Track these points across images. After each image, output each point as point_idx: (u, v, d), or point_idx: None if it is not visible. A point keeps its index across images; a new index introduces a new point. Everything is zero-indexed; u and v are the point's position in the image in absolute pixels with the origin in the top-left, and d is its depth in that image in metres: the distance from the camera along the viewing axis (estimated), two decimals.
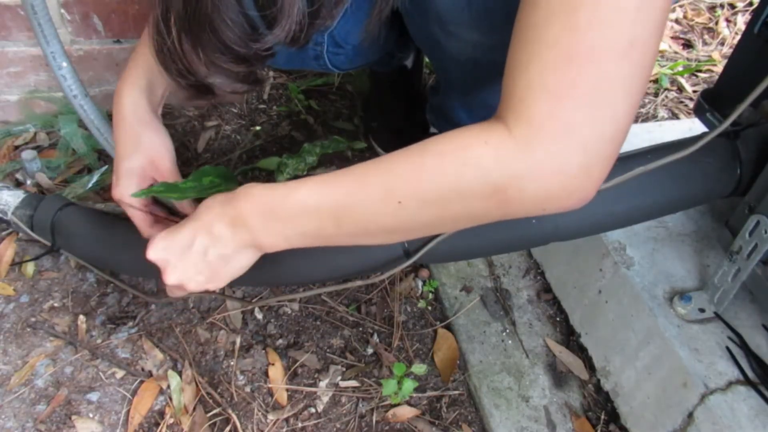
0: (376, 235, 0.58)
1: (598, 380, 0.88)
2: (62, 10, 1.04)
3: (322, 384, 0.86)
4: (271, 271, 0.78)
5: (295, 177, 0.77)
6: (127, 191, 0.74)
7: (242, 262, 0.64)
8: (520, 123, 0.49)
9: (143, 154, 0.74)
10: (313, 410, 0.83)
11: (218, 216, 0.60)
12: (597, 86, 0.46)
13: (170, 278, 0.63)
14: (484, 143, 0.50)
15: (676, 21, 1.69)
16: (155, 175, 0.76)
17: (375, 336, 0.92)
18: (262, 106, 1.28)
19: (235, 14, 0.48)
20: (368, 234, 0.57)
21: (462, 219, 0.55)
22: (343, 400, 0.85)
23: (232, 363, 0.87)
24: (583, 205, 0.51)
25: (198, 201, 0.69)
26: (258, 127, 1.21)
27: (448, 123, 1.10)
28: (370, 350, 0.91)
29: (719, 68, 1.52)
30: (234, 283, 0.82)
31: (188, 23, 0.48)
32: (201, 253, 0.62)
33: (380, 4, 0.61)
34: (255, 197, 0.59)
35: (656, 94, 1.45)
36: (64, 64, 0.84)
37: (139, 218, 0.75)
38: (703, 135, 0.62)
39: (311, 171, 0.78)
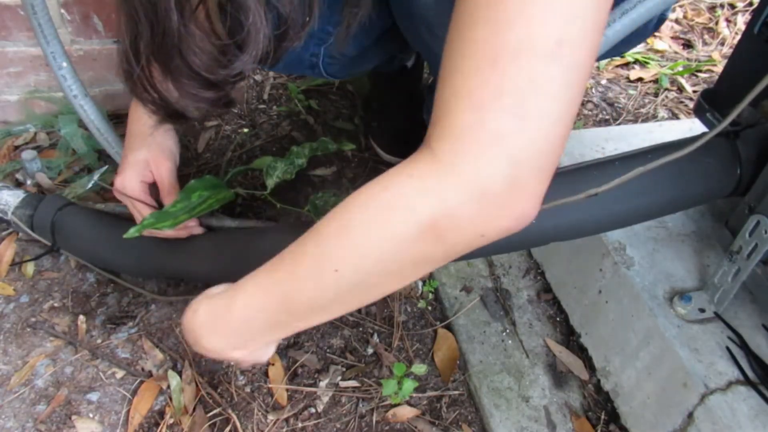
0: (329, 309, 0.54)
1: (598, 380, 0.88)
2: (62, 10, 1.04)
3: (322, 384, 0.86)
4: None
5: (285, 180, 0.78)
6: (129, 182, 0.76)
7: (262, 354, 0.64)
8: (444, 140, 0.44)
9: (150, 150, 0.77)
10: (313, 410, 0.83)
11: (194, 339, 0.61)
12: (524, 90, 0.41)
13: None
14: (408, 177, 0.46)
15: (676, 21, 1.69)
16: (155, 170, 0.77)
17: (375, 336, 0.92)
18: (262, 106, 1.28)
19: (202, 41, 0.48)
20: (322, 310, 0.54)
21: (405, 270, 0.49)
22: (343, 400, 0.85)
23: (232, 363, 0.87)
24: (525, 224, 0.46)
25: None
26: (246, 129, 1.21)
27: None
28: (370, 350, 0.91)
29: (719, 68, 1.52)
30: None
31: (156, 51, 0.48)
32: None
33: (348, 19, 0.60)
34: (201, 317, 0.59)
35: (656, 94, 1.45)
36: (64, 64, 0.84)
37: (138, 212, 0.76)
38: (702, 135, 0.62)
39: (300, 172, 0.79)
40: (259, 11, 0.46)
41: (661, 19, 0.79)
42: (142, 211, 0.78)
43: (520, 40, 0.41)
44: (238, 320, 0.57)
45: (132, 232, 0.70)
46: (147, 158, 0.77)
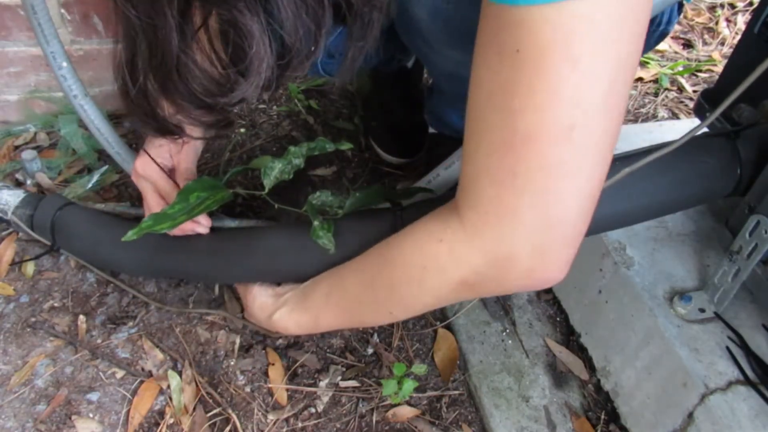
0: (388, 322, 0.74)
1: (598, 380, 0.88)
2: (62, 10, 1.04)
3: (322, 384, 0.86)
4: (272, 270, 0.78)
5: (283, 180, 0.78)
6: (149, 164, 0.77)
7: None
8: (469, 210, 0.49)
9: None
10: (313, 410, 0.83)
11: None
12: (536, 171, 0.45)
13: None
14: (439, 241, 0.52)
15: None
16: (177, 155, 0.79)
17: (375, 336, 0.92)
18: (262, 106, 1.28)
19: (203, 66, 0.47)
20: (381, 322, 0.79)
21: (446, 302, 0.60)
22: (343, 400, 0.85)
23: (232, 363, 0.87)
24: (552, 284, 0.51)
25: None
26: (243, 129, 1.21)
27: (444, 125, 1.11)
28: (370, 350, 0.91)
29: (719, 68, 1.52)
30: (238, 281, 0.83)
31: (155, 72, 0.47)
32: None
33: (352, 52, 0.59)
34: (291, 331, 0.76)
35: (656, 94, 1.45)
36: (64, 64, 0.84)
37: (151, 196, 0.78)
38: (703, 135, 0.62)
39: (299, 172, 0.79)
40: (264, 39, 0.45)
41: (663, 33, 0.79)
42: (150, 205, 0.79)
43: (529, 127, 0.43)
44: (326, 328, 0.75)
45: (130, 235, 0.70)
46: (167, 141, 0.77)
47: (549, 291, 0.99)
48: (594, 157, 0.46)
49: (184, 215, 0.73)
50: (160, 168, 0.78)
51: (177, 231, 0.78)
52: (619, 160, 0.67)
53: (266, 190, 0.77)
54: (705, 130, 0.63)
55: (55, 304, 0.91)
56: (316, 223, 0.72)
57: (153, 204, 0.79)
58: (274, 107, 1.28)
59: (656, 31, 0.81)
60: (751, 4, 1.73)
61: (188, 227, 0.78)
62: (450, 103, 1.02)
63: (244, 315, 0.86)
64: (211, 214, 0.86)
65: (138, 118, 0.53)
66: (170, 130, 0.55)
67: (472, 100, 0.48)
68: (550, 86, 0.42)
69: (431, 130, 1.17)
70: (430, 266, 0.53)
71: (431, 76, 1.03)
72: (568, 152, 0.44)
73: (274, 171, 0.77)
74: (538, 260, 0.49)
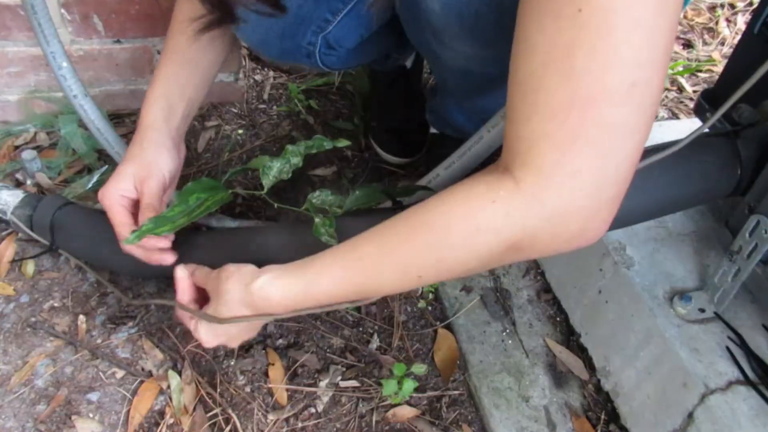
0: (399, 292, 0.65)
1: (598, 380, 0.88)
2: (62, 10, 1.04)
3: (322, 384, 0.86)
4: None
5: (282, 179, 0.77)
6: (107, 193, 0.74)
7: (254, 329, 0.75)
8: (528, 173, 0.49)
9: (139, 165, 0.75)
10: (313, 410, 0.83)
11: (249, 313, 0.65)
12: (599, 132, 0.46)
13: (235, 345, 0.73)
14: (492, 202, 0.51)
15: None
16: (141, 188, 0.75)
17: (375, 336, 0.92)
18: (262, 106, 1.28)
19: None
20: (391, 293, 0.63)
21: (481, 270, 0.59)
22: (343, 400, 0.85)
23: (232, 363, 0.87)
24: (594, 241, 0.52)
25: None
26: (241, 130, 1.21)
27: (447, 125, 1.10)
28: (370, 350, 0.91)
29: (719, 68, 1.52)
30: None
31: None
32: (244, 330, 0.70)
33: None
34: (273, 299, 0.63)
35: None
36: (64, 64, 0.84)
37: (118, 220, 0.75)
38: (703, 135, 0.62)
39: (297, 171, 0.78)
40: None
41: None
42: (115, 224, 0.76)
43: (591, 88, 0.44)
44: (314, 301, 0.62)
45: (131, 239, 0.70)
46: (135, 173, 0.75)
47: (549, 291, 0.99)
48: (650, 115, 0.47)
49: (184, 217, 0.73)
50: (118, 199, 0.75)
51: (143, 257, 0.76)
52: None
53: (265, 190, 0.77)
54: (705, 130, 0.63)
55: (55, 304, 0.90)
56: (317, 220, 0.72)
57: (120, 229, 0.75)
58: (274, 107, 1.28)
59: None
60: (751, 4, 1.73)
61: (154, 258, 0.76)
62: (455, 102, 1.02)
63: (212, 301, 0.69)
64: (211, 215, 0.86)
65: None
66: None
67: (524, 68, 0.48)
68: (613, 46, 0.43)
69: (432, 130, 1.17)
70: (483, 229, 0.51)
71: (435, 74, 1.03)
72: (629, 112, 0.46)
73: (273, 170, 0.77)
74: (591, 220, 0.50)
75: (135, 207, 0.76)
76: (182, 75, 0.81)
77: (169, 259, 0.76)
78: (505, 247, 0.52)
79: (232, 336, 0.70)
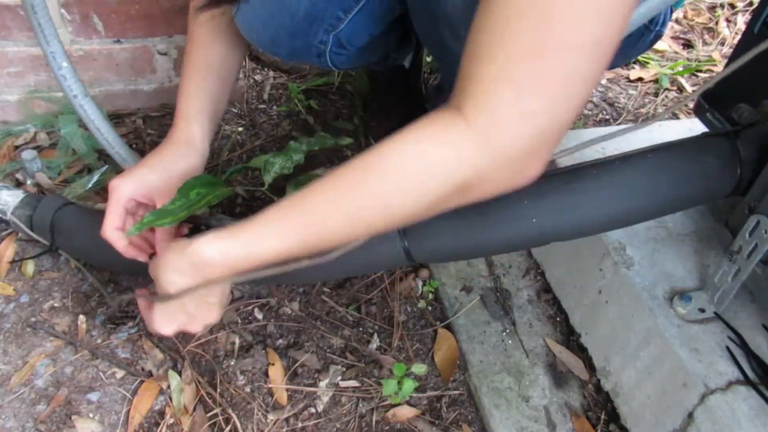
0: (351, 245, 0.59)
1: (598, 380, 0.88)
2: (62, 10, 1.04)
3: (322, 384, 0.86)
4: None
5: (282, 176, 0.77)
6: (125, 188, 0.73)
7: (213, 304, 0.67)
8: (481, 113, 0.50)
9: (166, 175, 0.75)
10: (313, 410, 0.83)
11: (193, 282, 0.60)
12: (561, 79, 0.48)
13: (196, 330, 0.68)
14: (444, 145, 0.51)
15: (676, 21, 1.69)
16: (162, 194, 0.74)
17: (375, 336, 0.92)
18: (262, 106, 1.28)
19: None
20: (343, 246, 0.59)
21: (426, 215, 0.56)
22: (343, 400, 0.85)
23: (232, 363, 0.87)
24: (531, 181, 0.54)
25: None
26: (241, 129, 1.21)
27: None
28: (370, 350, 0.91)
29: (719, 68, 1.52)
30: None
31: None
32: (202, 305, 0.65)
33: None
34: (214, 263, 0.59)
35: (656, 94, 1.45)
36: (64, 64, 0.84)
37: (111, 215, 0.73)
38: (703, 135, 0.62)
39: (299, 168, 0.78)
40: None
41: (658, 34, 0.80)
42: (108, 213, 0.74)
43: (564, 36, 0.46)
44: (258, 261, 0.58)
45: (132, 230, 0.70)
46: (157, 184, 0.74)
47: (549, 291, 0.99)
48: (603, 70, 0.50)
49: (185, 211, 0.73)
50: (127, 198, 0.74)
51: (124, 251, 0.74)
52: (620, 160, 0.68)
53: (266, 186, 0.77)
54: (705, 130, 0.63)
55: (55, 304, 0.90)
56: None
57: (112, 219, 0.74)
58: (274, 107, 1.28)
59: (653, 32, 0.81)
60: (751, 4, 1.73)
61: (131, 253, 0.75)
62: None
63: (157, 282, 0.64)
64: (211, 214, 0.86)
65: None
66: None
67: (498, 12, 0.49)
68: (592, 2, 0.46)
69: None
70: (434, 172, 0.52)
71: (444, 72, 1.02)
72: (590, 65, 0.48)
73: (275, 166, 0.77)
74: (536, 161, 0.52)
75: (137, 206, 0.76)
76: (216, 86, 0.81)
77: (142, 257, 0.75)
78: (454, 188, 0.52)
79: (191, 316, 0.65)
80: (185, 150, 0.77)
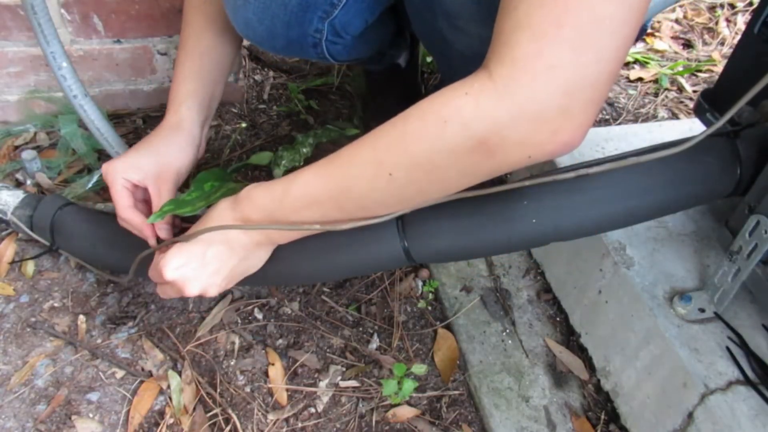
0: (374, 210, 0.59)
1: (598, 380, 0.88)
2: (62, 10, 1.04)
3: (322, 384, 0.86)
4: (272, 271, 0.78)
5: (292, 168, 0.78)
6: (119, 172, 0.74)
7: (257, 259, 0.68)
8: (502, 65, 0.47)
9: (157, 159, 0.76)
10: (313, 410, 0.83)
11: (228, 222, 0.63)
12: (583, 25, 0.45)
13: (192, 290, 0.65)
14: (465, 94, 0.49)
15: (676, 21, 1.69)
16: (153, 183, 0.76)
17: (375, 336, 0.92)
18: (262, 106, 1.28)
19: None
20: (369, 211, 0.59)
21: (453, 179, 0.54)
22: (343, 400, 0.85)
23: (232, 363, 0.87)
24: (568, 150, 0.50)
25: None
26: (244, 124, 1.21)
27: None
28: (370, 350, 0.91)
29: (719, 68, 1.52)
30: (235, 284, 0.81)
31: None
32: (218, 260, 0.65)
33: None
34: (256, 200, 0.62)
35: (656, 94, 1.45)
36: (64, 64, 0.84)
37: (120, 197, 0.75)
38: (701, 135, 0.62)
39: (308, 162, 0.79)
40: None
41: (643, 28, 0.80)
42: (116, 200, 0.76)
43: None
44: (290, 210, 0.60)
45: (153, 218, 0.72)
46: (149, 169, 0.75)
47: (549, 291, 0.99)
48: (636, 18, 0.46)
49: (203, 201, 0.74)
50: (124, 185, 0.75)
51: (141, 227, 0.76)
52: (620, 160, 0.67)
53: None
54: (705, 130, 0.63)
55: (55, 304, 0.90)
56: None
57: (121, 204, 0.76)
58: (274, 107, 1.28)
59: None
60: (751, 4, 1.73)
61: (147, 232, 0.76)
62: None
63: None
64: None
65: None
66: None
67: None
68: None
69: None
70: (452, 119, 0.49)
71: (443, 68, 1.01)
72: (617, 7, 0.44)
73: (284, 160, 0.78)
74: (565, 122, 0.48)
75: (135, 189, 0.77)
76: (208, 71, 0.82)
77: (152, 239, 0.76)
78: (473, 142, 0.49)
79: (199, 271, 0.65)
80: (172, 134, 0.78)
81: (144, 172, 0.76)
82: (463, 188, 0.57)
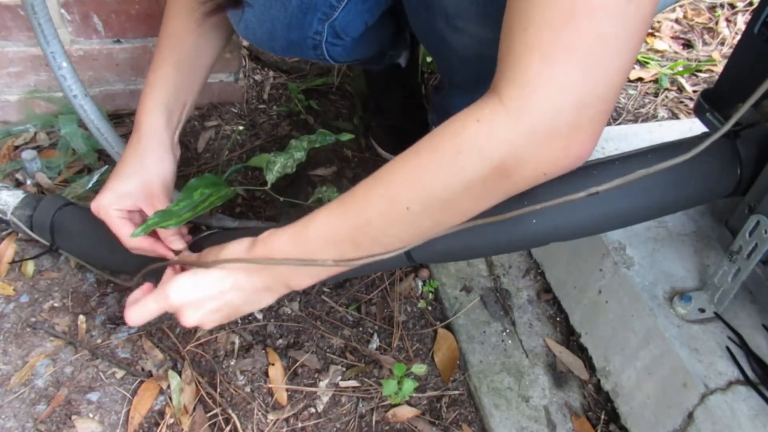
0: (389, 244, 0.58)
1: (598, 380, 0.88)
2: (62, 10, 1.04)
3: (322, 384, 0.86)
4: None
5: (285, 174, 0.77)
6: (110, 206, 0.74)
7: (264, 301, 0.67)
8: (513, 88, 0.48)
9: (140, 179, 0.75)
10: (313, 410, 0.83)
11: (243, 266, 0.63)
12: (592, 46, 0.46)
13: (189, 321, 0.65)
14: (476, 121, 0.50)
15: (676, 21, 1.69)
16: (145, 201, 0.75)
17: (375, 336, 0.92)
18: (262, 106, 1.28)
19: None
20: (385, 246, 0.58)
21: (469, 206, 0.55)
22: (343, 400, 0.85)
23: (232, 363, 0.87)
24: (581, 162, 0.51)
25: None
26: (242, 127, 1.21)
27: None
28: (370, 350, 0.91)
29: (719, 68, 1.52)
30: None
31: None
32: (223, 299, 0.65)
33: None
34: (273, 243, 0.61)
35: (656, 94, 1.45)
36: (64, 64, 0.84)
37: (120, 229, 0.74)
38: (704, 135, 0.62)
39: (301, 167, 0.78)
40: None
41: None
42: (119, 235, 0.75)
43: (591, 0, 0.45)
44: (308, 251, 0.60)
45: (137, 232, 0.71)
46: (134, 190, 0.74)
47: (549, 291, 0.99)
48: (641, 34, 0.48)
49: (189, 212, 0.73)
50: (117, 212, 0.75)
51: (151, 249, 0.75)
52: (620, 160, 0.68)
53: (269, 185, 0.77)
54: (705, 130, 0.63)
55: (55, 304, 0.91)
56: None
57: (122, 235, 0.75)
58: (274, 107, 1.28)
59: None
60: (751, 4, 1.73)
61: (161, 250, 0.75)
62: (463, 97, 1.01)
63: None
64: (211, 214, 0.85)
65: None
66: None
67: None
68: None
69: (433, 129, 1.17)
70: (466, 149, 0.50)
71: (442, 69, 1.01)
72: (624, 26, 0.46)
73: (276, 165, 0.77)
74: (577, 136, 0.49)
75: (132, 214, 0.77)
76: (179, 78, 0.80)
77: (175, 245, 0.76)
78: (490, 168, 0.50)
79: (205, 302, 0.64)
80: (146, 147, 0.77)
81: (133, 197, 0.75)
82: (477, 213, 0.57)
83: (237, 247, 0.64)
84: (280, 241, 0.61)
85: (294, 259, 0.61)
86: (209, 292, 0.64)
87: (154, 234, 0.76)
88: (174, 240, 0.75)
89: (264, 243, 0.62)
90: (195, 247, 0.78)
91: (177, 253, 0.75)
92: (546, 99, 0.47)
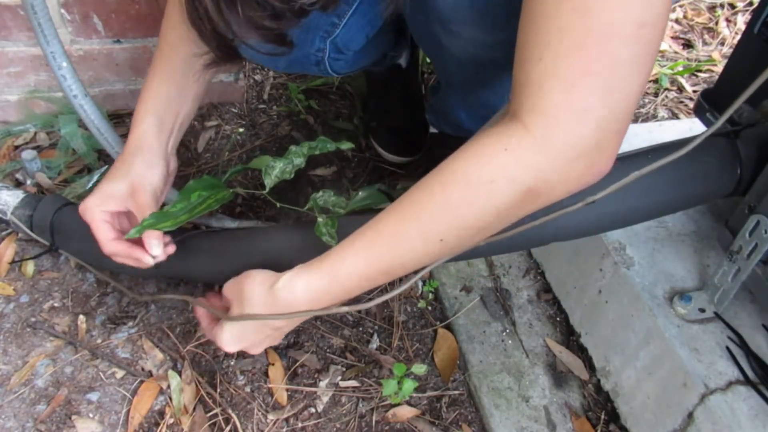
0: (422, 267, 0.62)
1: (598, 380, 0.88)
2: (62, 10, 1.04)
3: (322, 384, 0.86)
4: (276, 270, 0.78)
5: (283, 180, 0.77)
6: (95, 207, 0.73)
7: (284, 331, 0.72)
8: (537, 115, 0.50)
9: (127, 182, 0.74)
10: (313, 410, 0.83)
11: (272, 312, 0.64)
12: (609, 69, 0.48)
13: (258, 351, 0.71)
14: (504, 151, 0.52)
15: (676, 21, 1.69)
16: (132, 203, 0.75)
17: (375, 336, 0.92)
18: (262, 106, 1.28)
19: None
20: (411, 270, 0.61)
21: (498, 227, 0.58)
22: (343, 400, 0.85)
23: (232, 363, 0.87)
24: (601, 177, 0.54)
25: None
26: (242, 129, 1.21)
27: (448, 123, 1.10)
28: (370, 350, 0.91)
29: (719, 68, 1.52)
30: None
31: None
32: (267, 335, 0.69)
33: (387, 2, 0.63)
34: (301, 294, 0.62)
35: (656, 94, 1.45)
36: (64, 64, 0.84)
37: (101, 232, 0.74)
38: (699, 136, 0.62)
39: (300, 172, 0.78)
40: None
41: None
42: (99, 239, 0.75)
43: (604, 26, 0.46)
44: (342, 293, 0.62)
45: (132, 233, 0.70)
46: (122, 193, 0.74)
47: (549, 291, 0.99)
48: (653, 55, 0.50)
49: (186, 214, 0.73)
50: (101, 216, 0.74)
51: (127, 254, 0.74)
52: (620, 160, 0.67)
53: (267, 190, 0.77)
54: (705, 129, 0.63)
55: (55, 304, 0.91)
56: (320, 219, 0.72)
57: (103, 240, 0.74)
58: (274, 107, 1.28)
59: None
60: (751, 4, 1.73)
61: (136, 254, 0.74)
62: (459, 98, 1.01)
63: (234, 307, 0.69)
64: (211, 215, 0.85)
65: (202, 36, 0.54)
66: (231, 51, 0.56)
67: (536, 11, 0.49)
68: None
69: (432, 130, 1.17)
70: (498, 178, 0.52)
71: (439, 70, 1.02)
72: (638, 50, 0.48)
73: (275, 170, 0.77)
74: (599, 154, 0.52)
75: (118, 218, 0.76)
76: (172, 87, 0.79)
77: (154, 251, 0.74)
78: (521, 194, 0.52)
79: (255, 342, 0.69)
80: (136, 154, 0.76)
81: (118, 198, 0.74)
82: (501, 229, 0.60)
83: (259, 290, 0.65)
84: (307, 291, 0.62)
85: (336, 306, 0.63)
86: (256, 339, 0.68)
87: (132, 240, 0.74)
88: (154, 245, 0.74)
89: (288, 293, 0.63)
90: (180, 246, 0.77)
91: (155, 257, 0.74)
92: (569, 126, 0.49)
